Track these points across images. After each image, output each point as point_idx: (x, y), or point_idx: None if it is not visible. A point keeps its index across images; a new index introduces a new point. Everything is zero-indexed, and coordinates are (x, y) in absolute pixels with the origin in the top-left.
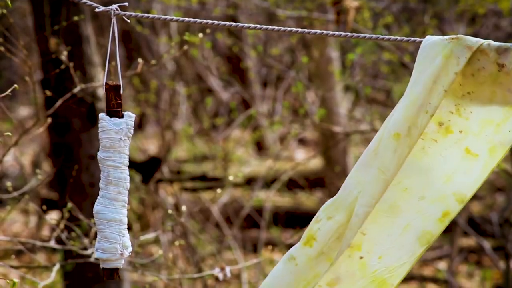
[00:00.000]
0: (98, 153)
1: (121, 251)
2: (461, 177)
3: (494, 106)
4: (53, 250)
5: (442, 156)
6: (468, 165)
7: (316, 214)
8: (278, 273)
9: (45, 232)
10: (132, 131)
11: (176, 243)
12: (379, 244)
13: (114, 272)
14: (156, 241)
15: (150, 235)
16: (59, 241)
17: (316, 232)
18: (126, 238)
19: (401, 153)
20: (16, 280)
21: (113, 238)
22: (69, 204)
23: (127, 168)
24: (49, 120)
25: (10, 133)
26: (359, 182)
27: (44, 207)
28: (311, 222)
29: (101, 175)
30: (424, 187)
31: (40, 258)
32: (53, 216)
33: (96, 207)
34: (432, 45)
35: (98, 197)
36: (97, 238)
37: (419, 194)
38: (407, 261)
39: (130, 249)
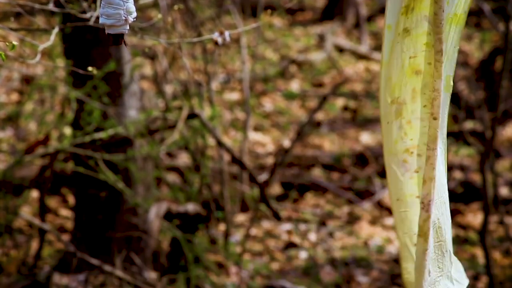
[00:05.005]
0: None
1: (125, 17)
2: None
3: None
4: (52, 13)
5: None
6: None
7: None
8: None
9: None
10: None
11: (175, 7)
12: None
13: (119, 38)
14: (155, 5)
15: None
16: (58, 4)
17: None
18: (130, 3)
19: None
20: (15, 42)
21: (117, 4)
22: None
23: None
24: None
25: None
26: None
27: None
28: None
29: None
30: None
31: (39, 21)
32: None
33: None
34: None
35: None
36: (101, 4)
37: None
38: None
39: (135, 14)
